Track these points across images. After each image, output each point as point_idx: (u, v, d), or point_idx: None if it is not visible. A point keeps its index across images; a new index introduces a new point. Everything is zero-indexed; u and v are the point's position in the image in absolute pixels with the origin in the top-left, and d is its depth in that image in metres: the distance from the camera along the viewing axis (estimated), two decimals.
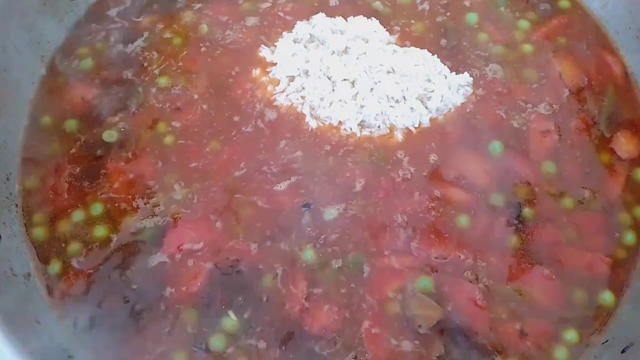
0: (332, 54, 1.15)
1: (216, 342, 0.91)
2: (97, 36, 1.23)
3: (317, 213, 1.01)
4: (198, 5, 1.26)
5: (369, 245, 0.99)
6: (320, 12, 1.22)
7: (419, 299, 0.94)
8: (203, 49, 1.20)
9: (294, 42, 1.18)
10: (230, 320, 0.93)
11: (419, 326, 0.92)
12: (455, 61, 1.18)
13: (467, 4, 1.26)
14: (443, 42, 1.21)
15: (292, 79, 1.14)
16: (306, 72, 1.14)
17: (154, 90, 1.15)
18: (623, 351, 0.90)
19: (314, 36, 1.18)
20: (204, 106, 1.13)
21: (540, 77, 1.17)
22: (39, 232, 1.02)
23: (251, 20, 1.24)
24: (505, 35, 1.22)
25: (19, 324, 0.88)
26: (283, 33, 1.21)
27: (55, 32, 1.22)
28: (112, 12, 1.26)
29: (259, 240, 0.99)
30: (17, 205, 1.05)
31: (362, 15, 1.22)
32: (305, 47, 1.17)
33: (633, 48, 1.20)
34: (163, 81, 1.15)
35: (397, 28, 1.23)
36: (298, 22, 1.21)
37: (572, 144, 1.09)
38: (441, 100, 1.11)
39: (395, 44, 1.19)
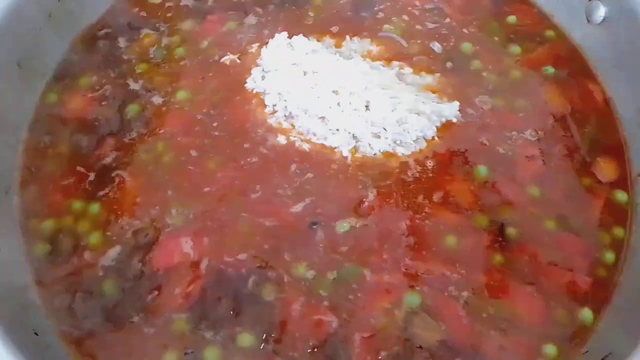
0: (313, 74, 1.17)
1: (209, 353, 0.93)
2: (99, 52, 1.27)
3: (328, 229, 1.04)
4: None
5: (366, 257, 1.01)
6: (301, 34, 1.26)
7: (423, 318, 0.96)
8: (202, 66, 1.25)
9: (273, 64, 1.21)
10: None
11: (419, 347, 0.94)
12: (454, 84, 1.23)
13: (465, 31, 1.32)
14: (449, 65, 1.26)
15: (276, 105, 1.17)
16: (290, 94, 1.16)
17: (156, 106, 1.20)
18: None
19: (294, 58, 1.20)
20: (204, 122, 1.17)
21: (527, 105, 1.20)
22: (38, 246, 1.04)
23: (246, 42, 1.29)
24: (496, 63, 1.27)
25: (19, 335, 0.89)
26: (257, 60, 1.24)
27: (57, 48, 1.25)
28: (112, 30, 1.31)
29: (256, 253, 1.01)
30: (15, 218, 1.06)
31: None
32: (289, 67, 1.19)
33: (612, 76, 1.24)
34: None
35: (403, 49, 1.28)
36: (270, 40, 1.25)
37: (556, 168, 1.13)
38: (430, 128, 1.15)
39: (400, 68, 1.24)
